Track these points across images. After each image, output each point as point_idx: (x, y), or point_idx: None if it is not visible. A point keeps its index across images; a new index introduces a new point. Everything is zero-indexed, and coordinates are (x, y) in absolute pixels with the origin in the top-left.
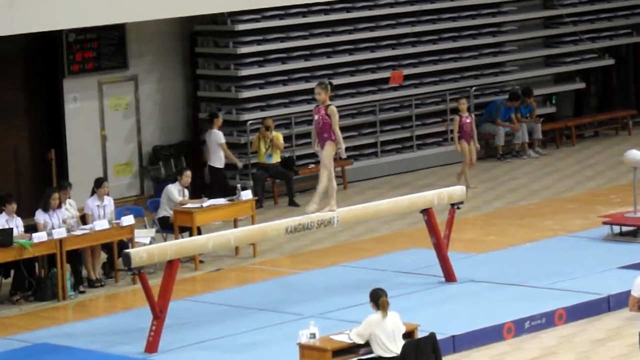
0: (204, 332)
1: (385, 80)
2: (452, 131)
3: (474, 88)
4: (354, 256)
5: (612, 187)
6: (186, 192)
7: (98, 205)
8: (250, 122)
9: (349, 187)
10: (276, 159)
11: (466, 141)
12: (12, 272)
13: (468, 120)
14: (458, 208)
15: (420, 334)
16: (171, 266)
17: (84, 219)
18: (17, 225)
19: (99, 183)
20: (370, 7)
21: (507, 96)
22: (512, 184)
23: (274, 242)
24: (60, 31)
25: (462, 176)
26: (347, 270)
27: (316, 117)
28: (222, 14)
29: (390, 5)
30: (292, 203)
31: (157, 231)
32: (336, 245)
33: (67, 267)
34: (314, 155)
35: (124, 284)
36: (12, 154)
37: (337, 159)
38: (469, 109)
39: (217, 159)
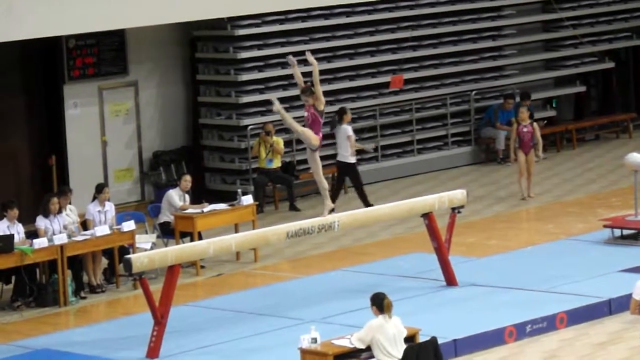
0: (206, 338)
1: (386, 85)
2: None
3: (474, 92)
4: (355, 261)
5: (613, 190)
6: (187, 197)
7: (99, 211)
8: (250, 127)
9: (349, 192)
10: (277, 163)
11: (524, 151)
12: (13, 278)
13: (526, 129)
14: (459, 212)
15: (421, 338)
16: (172, 271)
17: (84, 225)
18: (18, 231)
19: (99, 189)
20: (369, 12)
21: (502, 101)
22: (512, 187)
23: (275, 247)
24: (60, 37)
25: (520, 184)
26: (348, 275)
27: (306, 114)
28: (221, 19)
29: (390, 9)
30: (292, 208)
31: (158, 236)
32: (337, 250)
33: (68, 272)
34: None
35: (125, 290)
36: (12, 160)
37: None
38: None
39: (347, 155)
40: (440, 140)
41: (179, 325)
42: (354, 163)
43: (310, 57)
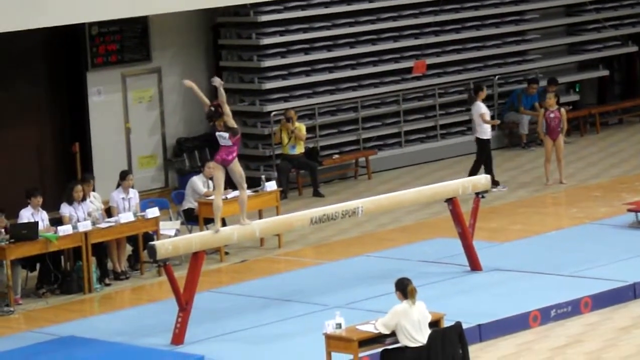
0: (230, 324)
1: (409, 70)
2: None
3: (497, 77)
4: (379, 246)
5: (637, 174)
6: (211, 183)
7: (123, 198)
8: (273, 113)
9: (373, 177)
10: (300, 150)
11: (551, 137)
12: (38, 265)
13: (552, 115)
14: (483, 197)
15: (446, 323)
16: (196, 258)
17: (109, 212)
18: (42, 218)
19: (123, 176)
20: None
21: (525, 85)
22: (536, 172)
23: (298, 232)
24: (83, 24)
25: (546, 169)
26: (372, 261)
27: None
28: (244, 5)
29: None
30: (316, 194)
31: (182, 223)
32: (361, 236)
33: (93, 259)
34: (338, 145)
35: (150, 276)
36: (36, 147)
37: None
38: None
39: (482, 130)
40: (463, 125)
41: (204, 312)
42: (488, 139)
43: (217, 83)
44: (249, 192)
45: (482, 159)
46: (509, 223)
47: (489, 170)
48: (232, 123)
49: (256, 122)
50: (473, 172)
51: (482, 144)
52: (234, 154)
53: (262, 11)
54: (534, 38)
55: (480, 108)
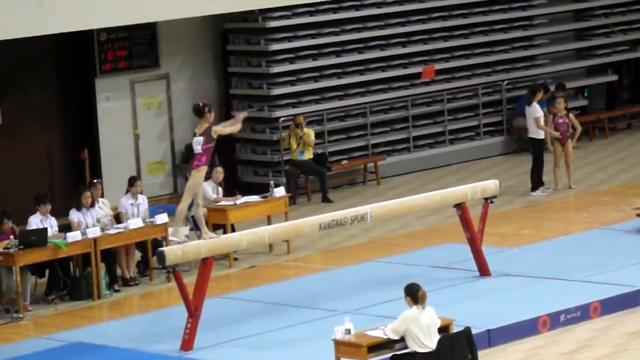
0: (239, 329)
1: (417, 76)
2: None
3: (505, 82)
4: (388, 252)
5: None
6: (220, 189)
7: (132, 204)
8: (282, 119)
9: (382, 183)
10: (308, 155)
11: (560, 142)
12: (47, 271)
13: (561, 121)
14: (491, 202)
15: (455, 329)
16: (206, 264)
17: (118, 218)
18: (51, 225)
19: (132, 182)
20: (400, 3)
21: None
22: (545, 177)
23: (307, 238)
24: (92, 30)
25: (555, 174)
26: (381, 266)
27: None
28: (252, 11)
29: (421, 0)
30: (325, 199)
31: (191, 229)
32: (370, 241)
33: (102, 266)
34: (346, 151)
35: (159, 282)
36: (45, 154)
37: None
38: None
39: (537, 130)
40: (472, 131)
41: (213, 318)
42: (542, 139)
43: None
44: (257, 197)
45: (537, 158)
46: (518, 228)
47: (538, 172)
48: (216, 132)
49: (265, 128)
50: (540, 173)
51: (537, 143)
52: (199, 163)
53: (270, 17)
54: (542, 43)
55: (537, 111)
